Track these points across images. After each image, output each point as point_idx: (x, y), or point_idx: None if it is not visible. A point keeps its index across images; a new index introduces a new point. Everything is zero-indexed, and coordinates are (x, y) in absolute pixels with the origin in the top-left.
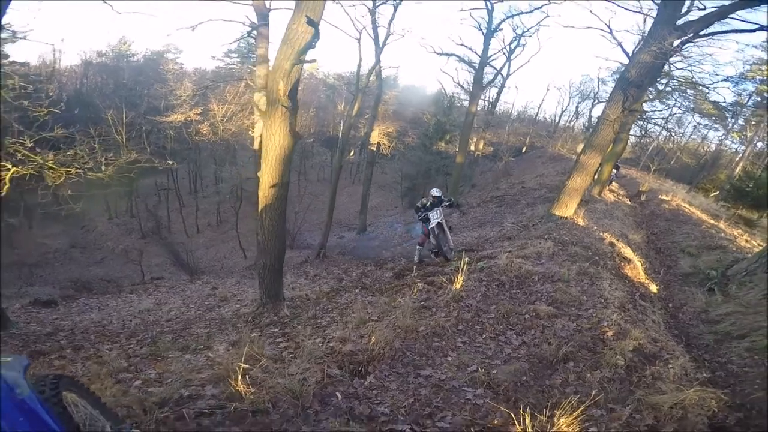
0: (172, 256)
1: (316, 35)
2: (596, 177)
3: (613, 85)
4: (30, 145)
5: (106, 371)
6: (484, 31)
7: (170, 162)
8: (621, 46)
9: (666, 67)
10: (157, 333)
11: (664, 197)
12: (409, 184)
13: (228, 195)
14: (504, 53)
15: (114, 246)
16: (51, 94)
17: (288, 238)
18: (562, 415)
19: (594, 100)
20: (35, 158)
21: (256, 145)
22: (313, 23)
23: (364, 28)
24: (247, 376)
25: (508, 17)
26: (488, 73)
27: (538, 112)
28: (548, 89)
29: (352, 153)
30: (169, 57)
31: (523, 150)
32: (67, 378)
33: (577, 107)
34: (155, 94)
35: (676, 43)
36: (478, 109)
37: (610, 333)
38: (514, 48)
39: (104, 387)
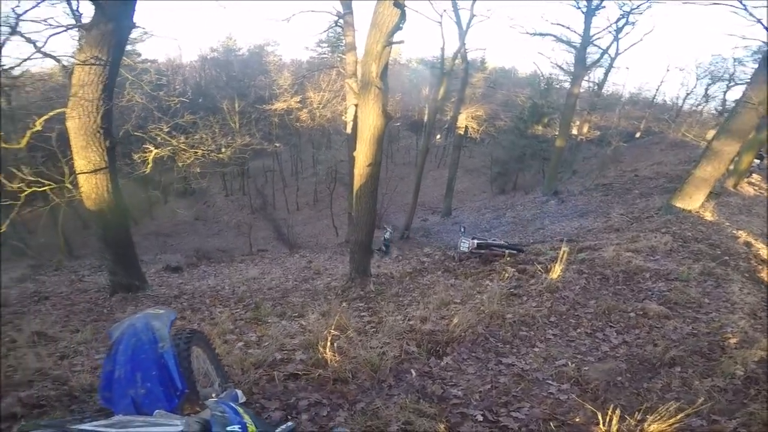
0: (275, 231)
1: (403, 17)
2: (732, 167)
3: (755, 65)
4: (167, 130)
5: (216, 332)
6: (584, 10)
7: (277, 145)
8: (762, 23)
9: None
10: (260, 299)
11: None
12: (499, 168)
13: (324, 176)
14: (610, 32)
15: (229, 220)
16: (177, 87)
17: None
18: (655, 421)
19: (729, 82)
20: (171, 141)
21: (348, 129)
22: (399, 5)
23: (445, 11)
24: (334, 345)
25: None
26: (592, 53)
27: (656, 95)
28: (668, 70)
29: (438, 137)
30: (268, 50)
31: (637, 135)
32: (200, 333)
33: (706, 90)
34: (260, 85)
35: None
36: (582, 90)
37: (733, 340)
38: (622, 26)
39: (215, 347)
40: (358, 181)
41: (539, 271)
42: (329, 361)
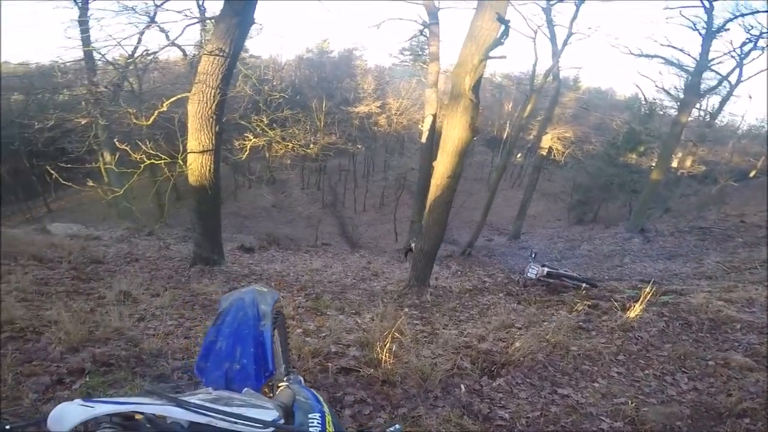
0: (341, 228)
1: (506, 32)
2: None
3: None
4: (266, 122)
5: None
6: (702, 32)
7: (359, 146)
8: None
9: None
10: (321, 291)
11: None
12: (580, 196)
13: (393, 182)
14: (733, 57)
15: (301, 211)
16: (275, 83)
17: None
18: None
19: None
20: (269, 133)
21: (423, 139)
22: (502, 19)
23: (539, 27)
24: (393, 348)
25: (736, 17)
26: (708, 79)
27: None
28: None
29: (519, 155)
30: (357, 54)
31: (751, 174)
32: (282, 316)
33: None
34: (346, 87)
35: None
36: (691, 119)
37: None
38: (748, 51)
39: (288, 331)
40: (434, 192)
41: (615, 308)
42: (383, 362)
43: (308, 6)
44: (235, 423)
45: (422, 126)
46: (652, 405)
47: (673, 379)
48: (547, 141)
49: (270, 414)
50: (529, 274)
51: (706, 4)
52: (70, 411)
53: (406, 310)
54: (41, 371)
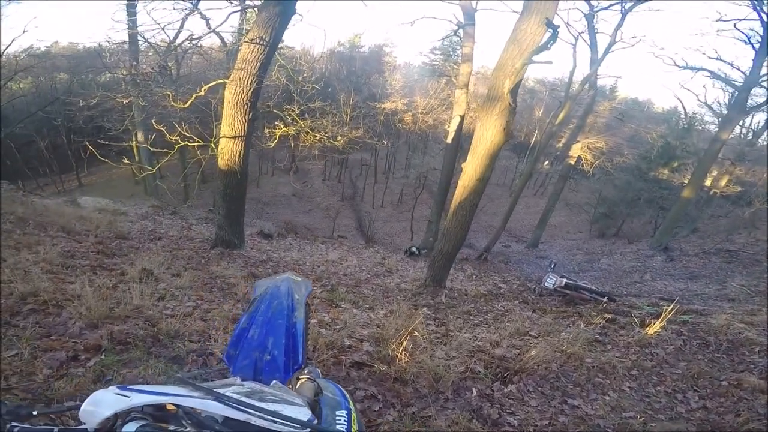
0: (358, 222)
1: (553, 37)
2: None
3: None
4: (297, 112)
5: None
6: (756, 46)
7: (385, 142)
8: None
9: None
10: (336, 283)
11: None
12: (605, 209)
13: (413, 180)
14: None
15: (320, 202)
16: (310, 74)
17: None
18: None
19: None
20: (299, 123)
21: (448, 140)
22: (550, 24)
23: (581, 34)
24: (408, 347)
25: None
26: (755, 95)
27: None
28: None
29: (546, 163)
30: (387, 50)
31: None
32: (309, 306)
33: None
34: (374, 83)
35: None
36: (731, 137)
37: None
38: None
39: (310, 323)
40: (459, 193)
41: (633, 323)
42: (397, 360)
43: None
44: (273, 422)
45: (449, 126)
46: (659, 421)
47: (684, 397)
48: (576, 150)
49: (304, 412)
50: (546, 284)
51: (765, 17)
52: (105, 400)
53: (420, 309)
54: (59, 346)
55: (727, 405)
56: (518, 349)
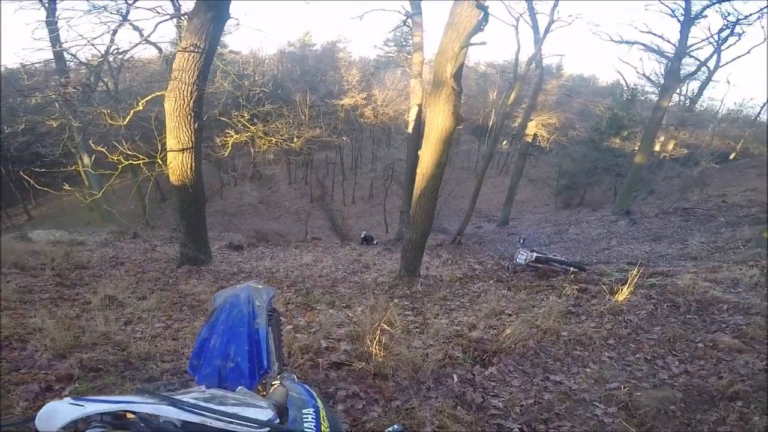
0: (330, 221)
1: (485, 18)
2: None
3: None
4: (247, 117)
5: None
6: (680, 18)
7: (344, 138)
8: None
9: None
10: (311, 286)
11: None
12: (566, 181)
13: (381, 173)
14: (711, 43)
15: (289, 206)
16: (257, 78)
17: None
18: None
19: None
20: (250, 128)
21: (409, 129)
22: (481, 6)
23: (521, 15)
24: (381, 340)
25: (713, 3)
26: (687, 65)
27: (760, 112)
28: None
29: (504, 143)
30: (340, 46)
31: (731, 156)
32: (277, 313)
33: None
34: (330, 80)
35: None
36: (672, 104)
37: None
38: (726, 37)
39: (283, 329)
40: (420, 181)
41: (602, 292)
42: (374, 355)
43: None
44: (230, 422)
45: (408, 116)
46: (644, 389)
47: (664, 363)
48: (532, 128)
49: (265, 413)
50: (518, 260)
51: None
52: (60, 410)
53: (396, 301)
54: (30, 379)
55: (708, 368)
56: (495, 329)
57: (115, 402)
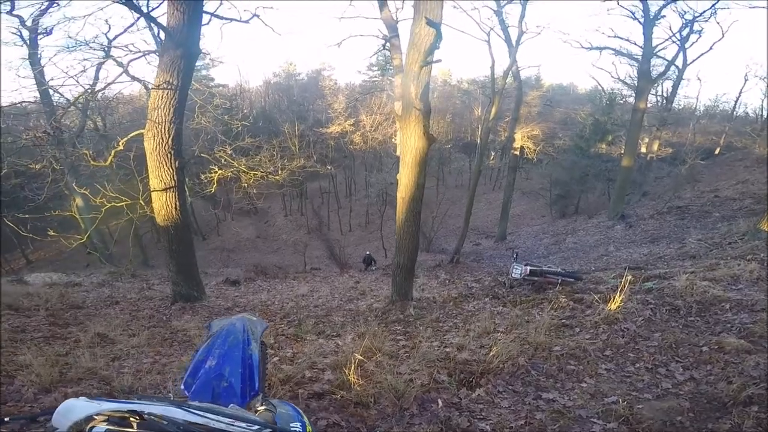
0: (328, 251)
1: (439, 36)
2: None
3: None
4: (230, 152)
5: None
6: (641, 20)
7: (329, 167)
8: None
9: None
10: (304, 316)
11: None
12: (560, 190)
13: (375, 198)
14: (675, 42)
15: (287, 238)
16: (245, 110)
17: (424, 241)
18: None
19: None
20: (233, 163)
21: (398, 152)
22: (433, 24)
23: (492, 29)
24: (359, 369)
25: (668, 3)
26: (657, 65)
27: (735, 106)
28: (747, 79)
29: (492, 158)
30: (325, 74)
31: (716, 151)
32: (265, 345)
33: None
34: (318, 108)
35: None
36: (650, 105)
37: None
38: (687, 36)
39: (269, 361)
40: (401, 205)
41: (596, 301)
42: (353, 384)
43: (270, 33)
44: (232, 424)
45: (395, 139)
46: (646, 401)
47: (667, 371)
48: (518, 141)
49: (264, 416)
50: (513, 275)
51: None
52: (76, 406)
53: (390, 326)
54: (16, 411)
55: (716, 372)
56: (486, 348)
57: (127, 403)
